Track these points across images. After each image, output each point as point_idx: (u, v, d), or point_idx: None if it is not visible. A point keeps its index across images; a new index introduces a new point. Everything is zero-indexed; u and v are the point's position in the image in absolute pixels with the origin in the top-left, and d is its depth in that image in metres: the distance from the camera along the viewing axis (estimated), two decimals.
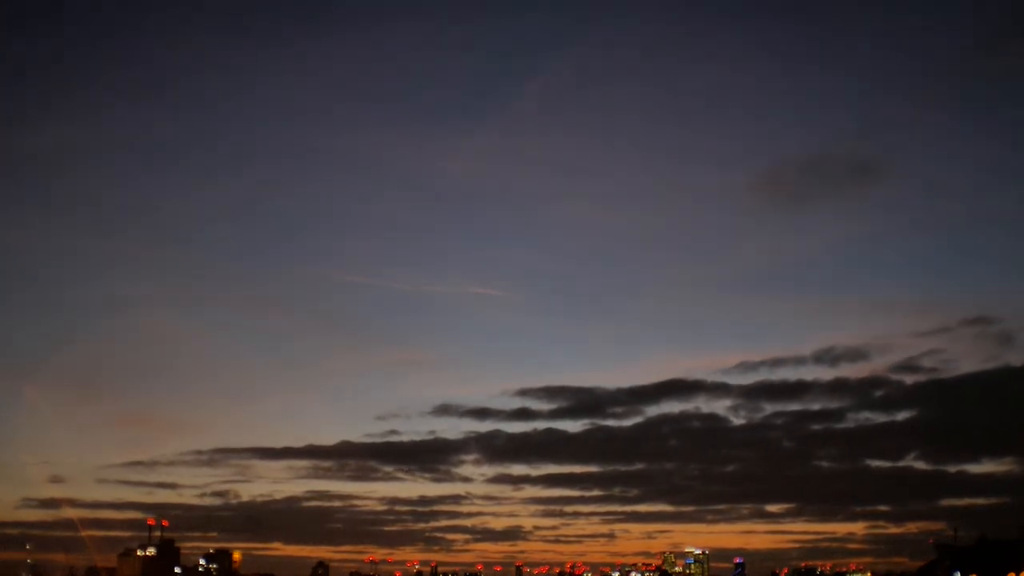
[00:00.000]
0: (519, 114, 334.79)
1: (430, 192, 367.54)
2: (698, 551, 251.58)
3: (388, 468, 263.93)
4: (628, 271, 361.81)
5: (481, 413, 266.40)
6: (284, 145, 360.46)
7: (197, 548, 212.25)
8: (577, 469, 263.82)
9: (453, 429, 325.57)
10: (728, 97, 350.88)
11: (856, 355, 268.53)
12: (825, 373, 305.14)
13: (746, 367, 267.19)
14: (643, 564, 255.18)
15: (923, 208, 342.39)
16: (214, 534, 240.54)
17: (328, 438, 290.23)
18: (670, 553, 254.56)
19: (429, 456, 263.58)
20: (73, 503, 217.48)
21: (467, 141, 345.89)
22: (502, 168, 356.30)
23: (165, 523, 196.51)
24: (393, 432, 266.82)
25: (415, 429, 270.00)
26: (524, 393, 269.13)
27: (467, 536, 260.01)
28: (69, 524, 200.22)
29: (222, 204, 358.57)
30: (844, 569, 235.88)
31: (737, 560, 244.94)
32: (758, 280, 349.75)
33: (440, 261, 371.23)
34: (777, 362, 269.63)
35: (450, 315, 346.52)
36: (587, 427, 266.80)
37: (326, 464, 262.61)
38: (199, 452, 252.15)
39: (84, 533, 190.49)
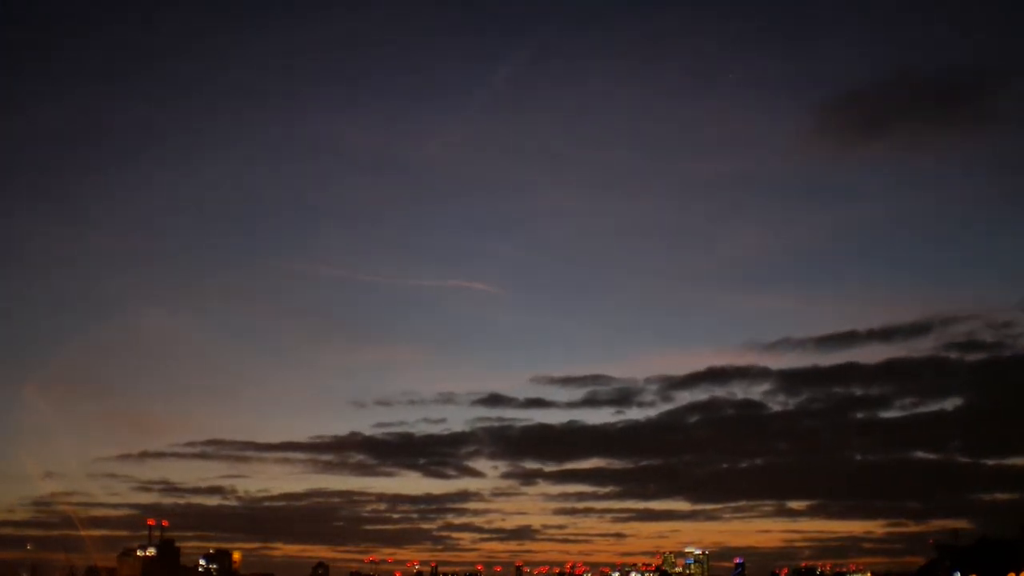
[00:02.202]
0: (495, 98, 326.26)
1: (405, 181, 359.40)
2: (698, 551, 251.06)
3: (390, 464, 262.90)
4: (635, 258, 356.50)
5: (493, 403, 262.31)
6: (264, 134, 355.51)
7: (197, 548, 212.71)
8: (595, 463, 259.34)
9: (456, 423, 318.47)
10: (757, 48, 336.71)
11: (914, 331, 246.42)
12: (878, 353, 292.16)
13: (791, 344, 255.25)
14: (643, 564, 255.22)
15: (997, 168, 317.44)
16: (214, 534, 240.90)
17: (328, 433, 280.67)
18: (670, 553, 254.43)
19: (433, 450, 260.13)
20: (71, 502, 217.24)
21: (443, 127, 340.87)
22: (478, 155, 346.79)
23: (165, 523, 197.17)
24: (394, 426, 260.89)
25: (415, 424, 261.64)
26: (547, 382, 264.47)
27: (474, 535, 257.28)
28: (68, 523, 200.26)
29: (201, 196, 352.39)
30: (843, 569, 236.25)
31: (737, 560, 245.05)
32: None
33: (418, 253, 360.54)
34: (825, 341, 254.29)
35: (434, 308, 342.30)
36: (612, 418, 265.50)
37: (326, 458, 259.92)
38: (194, 447, 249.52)
39: (83, 532, 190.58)
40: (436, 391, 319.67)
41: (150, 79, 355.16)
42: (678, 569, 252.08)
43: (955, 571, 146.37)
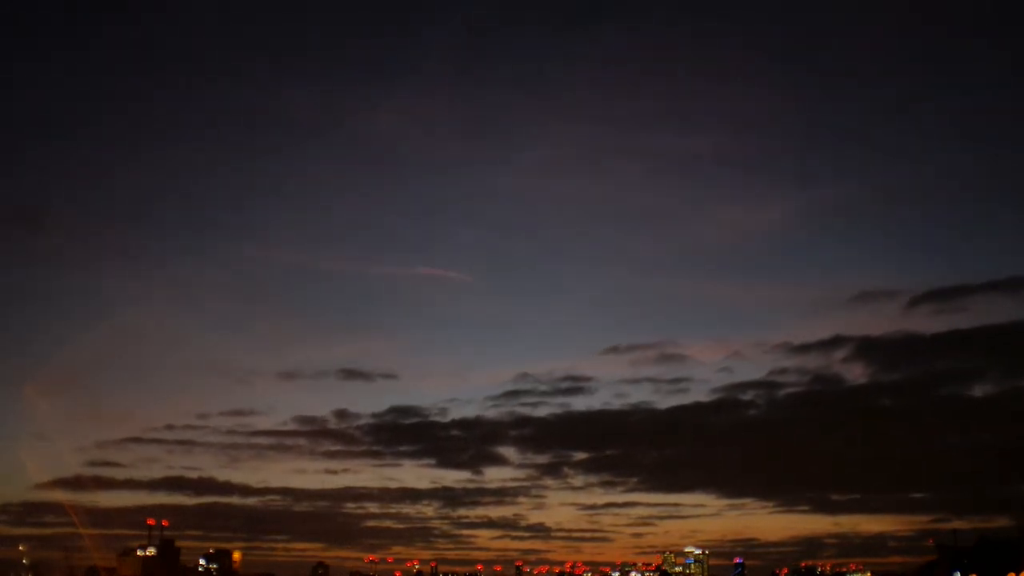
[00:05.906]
0: (446, 69, 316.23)
1: (364, 161, 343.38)
2: (698, 551, 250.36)
3: (393, 458, 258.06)
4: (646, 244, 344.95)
5: (509, 393, 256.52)
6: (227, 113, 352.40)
7: (197, 547, 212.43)
8: (625, 453, 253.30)
9: (460, 416, 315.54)
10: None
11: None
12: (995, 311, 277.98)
13: (885, 296, 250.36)
14: (643, 564, 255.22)
15: None
16: (214, 533, 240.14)
17: (328, 428, 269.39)
18: (669, 552, 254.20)
19: (438, 446, 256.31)
20: (67, 500, 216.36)
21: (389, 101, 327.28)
22: (425, 130, 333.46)
23: (165, 523, 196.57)
24: (397, 420, 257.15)
25: (416, 420, 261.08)
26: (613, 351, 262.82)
27: (475, 532, 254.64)
28: (65, 522, 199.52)
29: (162, 182, 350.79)
30: (844, 569, 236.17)
31: (737, 560, 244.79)
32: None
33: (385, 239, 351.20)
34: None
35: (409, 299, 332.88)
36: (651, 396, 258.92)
37: (325, 446, 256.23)
38: (187, 439, 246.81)
39: (82, 531, 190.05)
40: (439, 380, 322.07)
41: (89, 55, 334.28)
42: (678, 569, 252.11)
43: (955, 571, 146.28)
